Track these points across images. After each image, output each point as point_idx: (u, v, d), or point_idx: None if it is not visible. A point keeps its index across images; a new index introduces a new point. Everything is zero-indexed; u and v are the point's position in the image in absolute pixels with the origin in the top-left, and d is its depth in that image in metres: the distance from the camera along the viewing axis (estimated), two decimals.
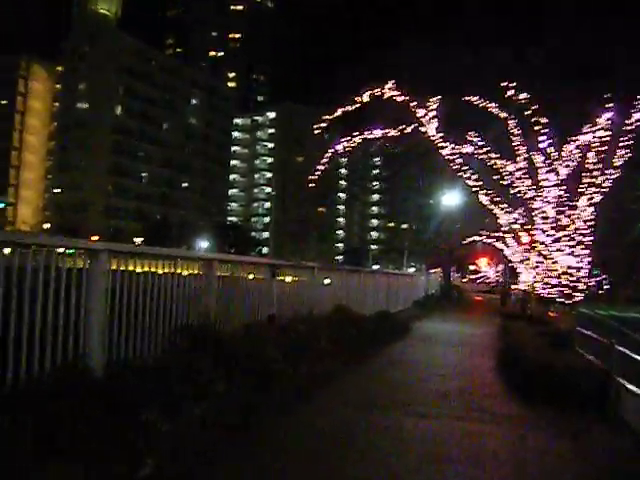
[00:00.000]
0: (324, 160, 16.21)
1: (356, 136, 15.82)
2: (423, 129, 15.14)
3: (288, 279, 12.34)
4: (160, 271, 7.33)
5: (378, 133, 15.87)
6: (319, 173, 16.39)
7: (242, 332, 8.62)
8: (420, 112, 15.11)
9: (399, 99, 14.71)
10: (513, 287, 37.64)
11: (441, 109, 15.27)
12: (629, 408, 8.21)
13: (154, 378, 5.73)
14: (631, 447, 7.28)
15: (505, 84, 14.43)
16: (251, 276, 10.25)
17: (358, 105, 14.94)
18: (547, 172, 17.71)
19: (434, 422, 7.64)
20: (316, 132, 16.30)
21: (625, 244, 47.04)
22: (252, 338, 8.38)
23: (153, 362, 6.32)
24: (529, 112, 14.38)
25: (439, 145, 15.49)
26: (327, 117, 15.53)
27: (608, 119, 13.07)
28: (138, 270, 6.74)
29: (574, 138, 16.00)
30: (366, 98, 14.83)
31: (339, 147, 16.04)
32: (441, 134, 15.36)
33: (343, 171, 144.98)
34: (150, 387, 5.50)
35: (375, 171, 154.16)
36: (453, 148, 15.60)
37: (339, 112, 15.17)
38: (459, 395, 9.42)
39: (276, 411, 7.14)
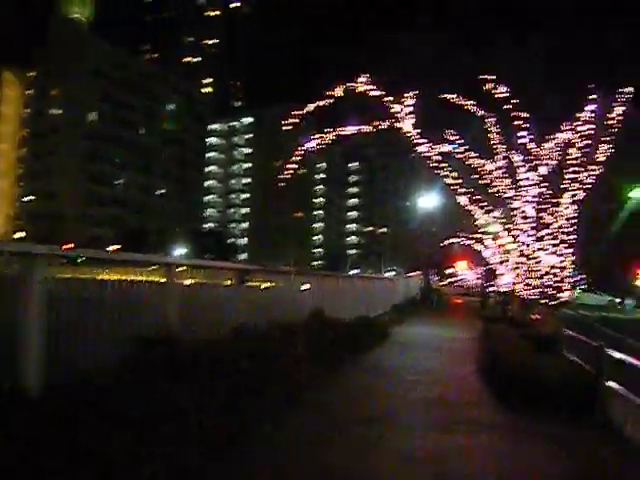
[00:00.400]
0: (295, 158, 15.52)
1: (329, 132, 15.14)
2: (399, 125, 14.54)
3: (264, 285, 11.76)
4: (114, 278, 6.70)
5: (352, 129, 15.25)
6: (291, 172, 15.73)
7: (208, 342, 7.99)
8: (396, 107, 14.52)
9: (373, 93, 14.09)
10: (493, 289, 37.29)
11: (418, 105, 14.70)
12: (620, 414, 7.76)
13: (100, 397, 5.09)
14: (624, 456, 6.80)
15: (484, 77, 13.72)
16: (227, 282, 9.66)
17: (332, 100, 14.25)
18: (527, 171, 17.30)
19: (420, 436, 7.10)
20: (286, 128, 15.60)
21: (600, 243, 46.97)
22: (219, 348, 7.76)
23: (102, 379, 5.66)
24: (509, 106, 13.73)
25: (416, 142, 14.91)
26: (298, 112, 14.77)
27: (592, 111, 12.52)
28: (85, 277, 6.09)
29: (553, 136, 15.45)
30: (340, 92, 14.18)
31: (311, 144, 15.38)
32: (418, 130, 14.78)
33: (321, 176, 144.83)
34: (93, 409, 4.85)
35: (352, 176, 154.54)
36: (431, 146, 15.03)
37: (311, 107, 14.46)
38: (444, 404, 8.94)
39: (244, 431, 6.51)
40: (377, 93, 14.02)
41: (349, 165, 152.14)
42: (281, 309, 11.92)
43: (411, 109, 14.38)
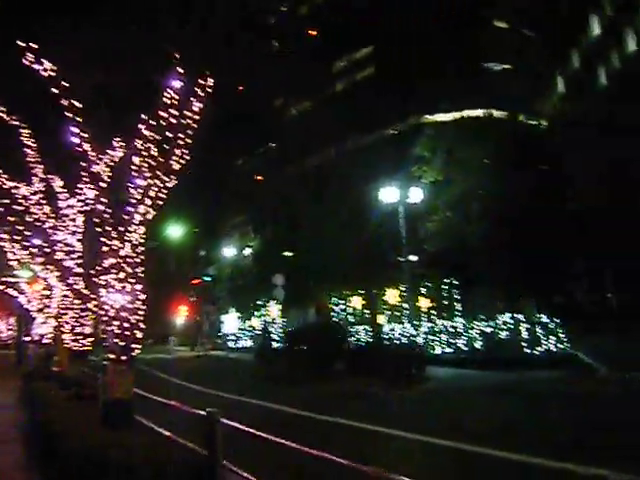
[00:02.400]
0: None
1: None
2: None
3: None
4: None
5: None
6: None
7: None
8: None
9: None
10: (32, 340, 33.33)
11: None
12: None
13: None
14: None
15: (24, 44, 9.86)
16: None
17: None
18: (70, 197, 14.61)
19: None
20: None
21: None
22: None
23: None
24: (57, 92, 10.28)
25: None
26: None
27: (176, 88, 9.97)
28: None
29: (104, 156, 12.19)
30: None
31: None
32: None
33: None
34: None
35: None
36: None
37: None
38: None
39: None
40: None
41: None
42: None
43: None
